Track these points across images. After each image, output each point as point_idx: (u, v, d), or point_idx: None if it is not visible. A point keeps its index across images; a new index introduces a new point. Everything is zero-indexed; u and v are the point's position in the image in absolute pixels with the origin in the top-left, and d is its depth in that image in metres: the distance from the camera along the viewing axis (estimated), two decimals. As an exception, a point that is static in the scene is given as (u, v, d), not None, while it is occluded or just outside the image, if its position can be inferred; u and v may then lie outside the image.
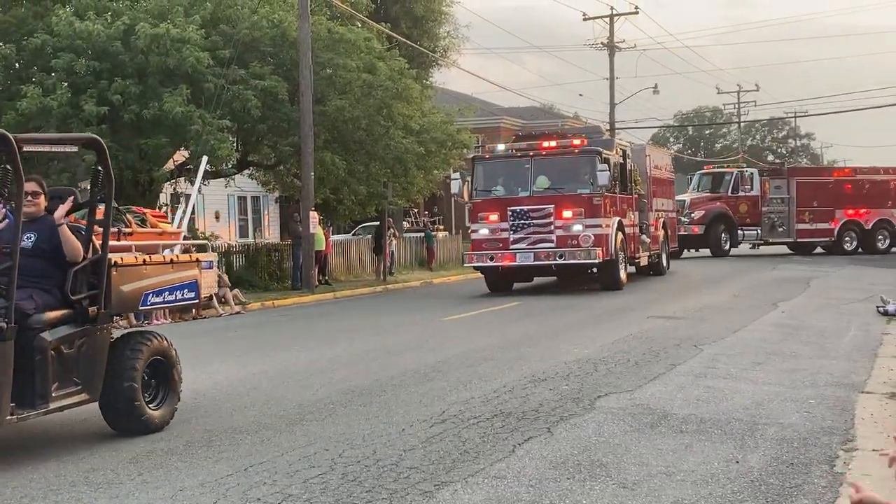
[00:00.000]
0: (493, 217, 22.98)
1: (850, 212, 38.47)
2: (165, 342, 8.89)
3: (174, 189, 27.65)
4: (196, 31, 23.72)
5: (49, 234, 8.05)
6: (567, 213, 22.33)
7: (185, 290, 9.26)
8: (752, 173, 39.36)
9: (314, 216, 26.91)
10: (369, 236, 35.97)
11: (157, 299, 8.94)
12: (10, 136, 7.24)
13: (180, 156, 26.77)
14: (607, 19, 53.70)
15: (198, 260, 9.58)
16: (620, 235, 23.43)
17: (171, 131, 23.96)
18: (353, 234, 41.42)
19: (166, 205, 27.93)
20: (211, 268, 9.86)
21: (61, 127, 23.56)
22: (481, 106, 51.77)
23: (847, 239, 38.64)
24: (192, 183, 25.03)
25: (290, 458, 7.37)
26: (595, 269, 22.94)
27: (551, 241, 22.37)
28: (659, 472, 6.74)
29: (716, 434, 7.83)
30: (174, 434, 8.41)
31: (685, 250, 36.62)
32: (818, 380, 10.29)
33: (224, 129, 24.57)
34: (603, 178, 22.12)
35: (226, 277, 23.78)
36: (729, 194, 38.22)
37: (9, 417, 7.27)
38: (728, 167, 43.23)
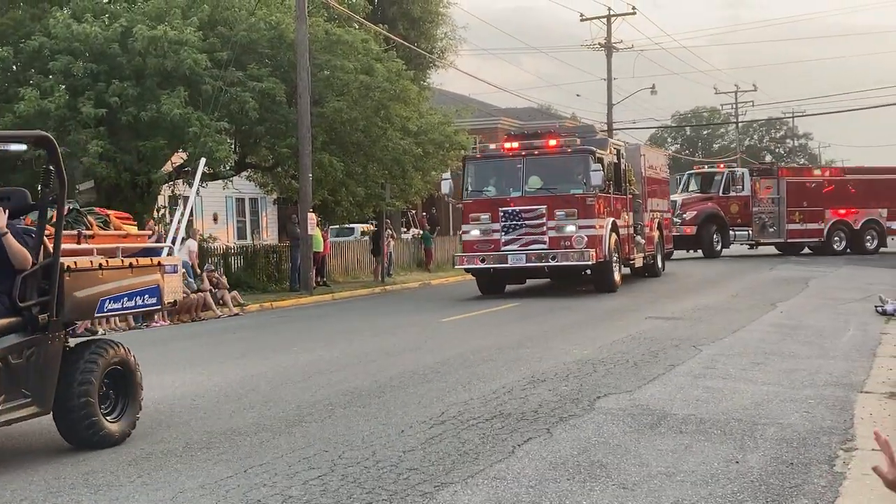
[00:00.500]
0: (485, 218, 22.56)
1: (840, 212, 38.47)
2: (124, 350, 8.52)
3: (172, 191, 27.65)
4: (193, 33, 23.73)
5: None
6: (560, 214, 21.95)
7: (146, 296, 8.80)
8: (742, 173, 39.25)
9: (312, 218, 26.91)
10: (354, 237, 36.02)
11: (115, 305, 8.48)
12: None
13: (178, 158, 26.77)
14: (605, 20, 53.75)
15: (160, 264, 9.13)
16: (614, 236, 23.07)
17: (168, 133, 23.98)
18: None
19: (164, 207, 27.93)
20: (175, 272, 9.43)
21: (59, 129, 23.58)
22: (479, 107, 51.79)
23: (836, 239, 38.62)
24: (191, 185, 25.05)
25: (289, 459, 7.37)
26: (589, 271, 22.57)
27: (544, 243, 22.00)
28: (659, 472, 6.74)
29: (715, 434, 7.83)
30: (173, 436, 8.41)
31: (675, 251, 36.48)
32: (817, 380, 10.30)
33: (222, 130, 24.58)
34: (596, 178, 21.78)
35: (224, 279, 23.78)
36: (720, 194, 38.13)
37: None
38: (720, 167, 43.13)
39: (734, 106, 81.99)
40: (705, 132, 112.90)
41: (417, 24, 39.18)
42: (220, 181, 29.13)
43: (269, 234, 39.08)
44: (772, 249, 40.44)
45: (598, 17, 53.90)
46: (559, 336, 14.65)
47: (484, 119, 52.46)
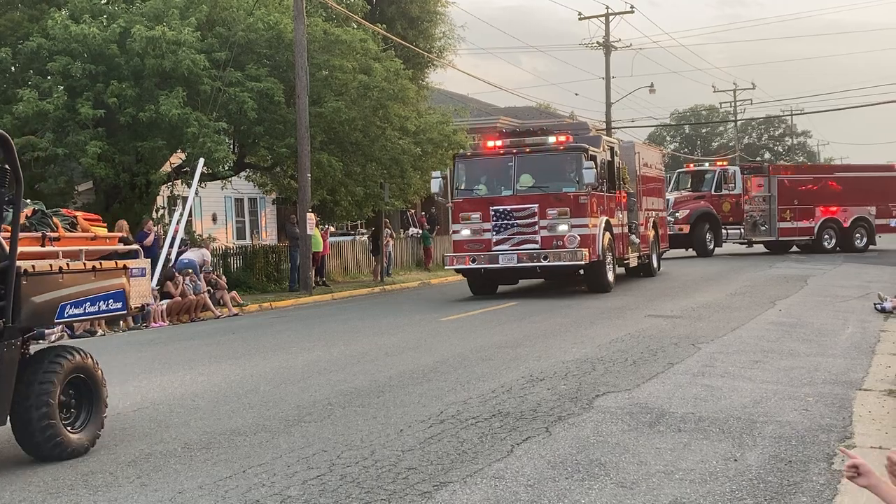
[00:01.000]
0: (475, 217, 22.09)
1: (830, 210, 38.46)
2: (88, 358, 8.23)
3: (171, 192, 27.66)
4: (192, 34, 23.74)
5: None
6: (552, 213, 21.50)
7: (111, 301, 8.43)
8: (734, 171, 39.13)
9: (311, 218, 26.92)
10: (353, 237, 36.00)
11: (77, 311, 8.09)
12: None
13: (177, 158, 26.78)
14: (603, 19, 53.79)
15: (125, 267, 8.74)
16: (608, 235, 22.67)
17: (167, 134, 23.98)
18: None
19: (163, 207, 27.94)
20: (143, 276, 9.07)
21: (57, 130, 23.60)
22: (477, 106, 51.77)
23: (826, 237, 38.61)
24: (189, 185, 25.09)
25: (288, 459, 7.38)
26: (582, 271, 22.18)
27: (535, 242, 21.57)
28: (657, 470, 6.75)
29: (714, 432, 7.84)
30: (172, 436, 8.41)
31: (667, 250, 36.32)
32: (816, 377, 10.30)
33: (220, 131, 24.59)
34: (589, 176, 21.30)
35: (223, 280, 23.79)
36: (713, 193, 38.04)
37: None
38: (717, 163, 43.07)
39: (733, 104, 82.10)
40: (704, 130, 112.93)
41: (416, 24, 39.16)
42: (218, 181, 29.14)
43: (269, 235, 39.06)
44: (761, 248, 40.36)
45: (597, 16, 53.98)
46: (558, 335, 14.65)
47: (483, 118, 52.42)
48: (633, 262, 25.72)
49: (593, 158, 21.99)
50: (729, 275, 26.90)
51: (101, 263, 8.54)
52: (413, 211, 41.65)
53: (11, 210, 7.60)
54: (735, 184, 38.10)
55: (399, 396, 9.83)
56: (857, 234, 38.93)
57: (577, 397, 9.40)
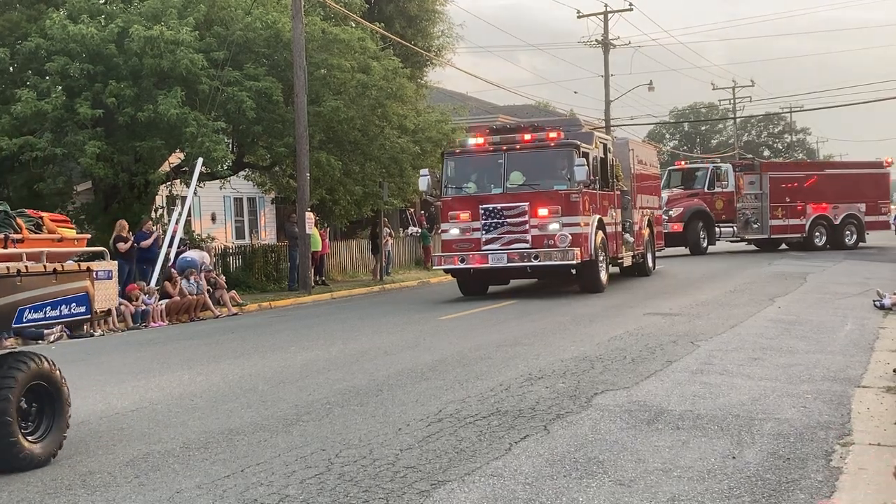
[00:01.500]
0: (465, 216, 21.54)
1: (821, 206, 38.45)
2: (48, 364, 7.94)
3: (170, 191, 27.66)
4: (190, 33, 23.73)
5: None
6: (543, 211, 20.99)
7: (73, 305, 8.08)
8: (726, 169, 39.07)
9: (310, 217, 26.91)
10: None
11: (36, 315, 7.75)
12: None
13: (176, 158, 26.77)
14: (601, 16, 53.77)
15: (89, 269, 8.39)
16: (601, 234, 22.16)
17: (166, 133, 23.98)
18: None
19: (162, 207, 27.93)
20: (109, 278, 8.71)
21: (56, 130, 23.59)
22: (476, 104, 51.76)
23: (817, 234, 38.59)
24: (188, 185, 25.09)
25: (286, 458, 7.37)
26: (574, 271, 21.58)
27: (526, 242, 21.04)
28: (655, 468, 6.74)
29: (712, 430, 7.83)
30: (171, 436, 8.41)
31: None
32: (815, 374, 10.30)
33: (219, 130, 24.59)
34: (581, 173, 20.73)
35: (222, 279, 23.79)
36: (706, 190, 37.96)
37: None
38: (703, 162, 43.01)
39: (732, 101, 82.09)
40: (703, 128, 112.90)
41: (414, 22, 39.15)
42: (217, 181, 29.14)
43: (268, 234, 39.05)
44: (750, 246, 40.27)
45: (595, 14, 53.95)
46: (556, 333, 14.64)
47: (482, 117, 52.41)
48: (628, 262, 25.34)
49: (585, 155, 21.58)
50: (727, 273, 26.86)
51: (63, 266, 8.19)
52: (412, 210, 41.66)
53: None
54: (728, 181, 38.05)
55: (397, 395, 9.83)
56: (847, 232, 38.93)
57: (575, 395, 9.39)
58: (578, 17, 54.16)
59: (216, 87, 24.56)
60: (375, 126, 28.26)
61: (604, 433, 7.83)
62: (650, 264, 27.41)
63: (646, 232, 27.19)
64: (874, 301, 17.28)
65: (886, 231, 40.83)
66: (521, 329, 15.38)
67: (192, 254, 23.32)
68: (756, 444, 7.38)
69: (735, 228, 38.09)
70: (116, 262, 9.63)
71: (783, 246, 39.65)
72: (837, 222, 38.58)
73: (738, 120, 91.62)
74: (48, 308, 7.87)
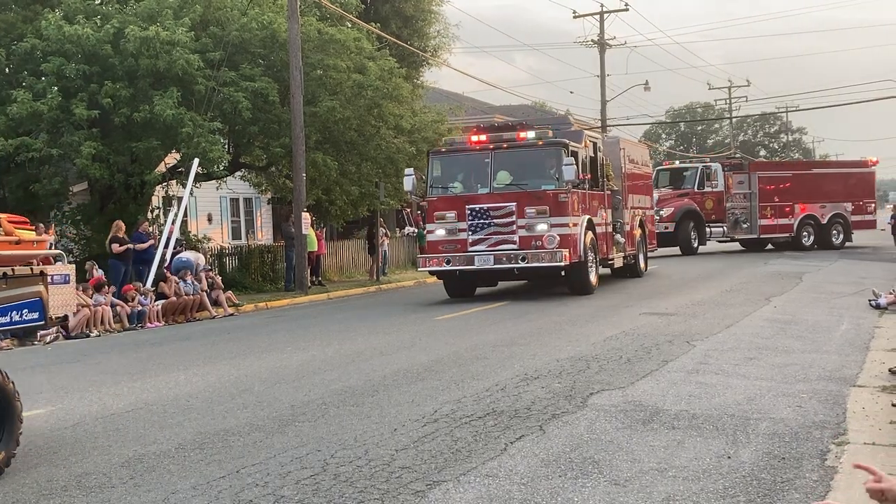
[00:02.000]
0: (451, 216, 21.02)
1: (808, 206, 38.43)
2: (1, 376, 7.52)
3: (166, 192, 27.64)
4: (186, 34, 23.71)
5: None
6: (530, 212, 20.51)
7: (25, 311, 7.71)
8: (716, 168, 38.95)
9: (306, 217, 26.91)
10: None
11: None
12: None
13: (172, 158, 26.75)
14: (597, 16, 53.78)
15: (43, 273, 8.02)
16: (590, 235, 21.67)
17: (162, 134, 23.96)
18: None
19: (158, 208, 27.92)
20: (66, 283, 8.32)
21: (52, 131, 23.57)
22: (472, 105, 51.76)
23: (805, 234, 38.58)
24: (184, 186, 25.07)
25: (282, 459, 7.37)
26: (563, 273, 20.96)
27: (514, 243, 20.56)
28: (651, 468, 6.75)
29: (708, 430, 7.84)
30: (166, 437, 8.40)
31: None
32: (810, 374, 10.31)
33: (215, 131, 24.59)
34: (569, 172, 20.23)
35: (219, 279, 23.78)
36: (695, 190, 37.87)
37: None
38: (692, 162, 42.91)
39: (728, 101, 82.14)
40: (699, 128, 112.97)
41: (410, 23, 39.16)
42: (213, 181, 29.14)
43: (264, 234, 39.05)
44: (737, 246, 40.21)
45: (591, 14, 53.93)
46: (552, 333, 14.65)
47: (478, 117, 52.38)
48: (619, 263, 24.90)
49: (574, 154, 21.16)
50: (722, 272, 26.84)
51: (13, 270, 7.77)
52: (409, 210, 41.66)
53: None
54: (718, 181, 37.99)
55: (393, 395, 9.83)
56: (834, 231, 38.95)
57: (571, 395, 9.40)
58: (574, 17, 54.15)
59: (212, 87, 24.55)
60: (371, 126, 28.26)
61: (599, 433, 7.83)
62: (642, 265, 26.96)
63: (637, 232, 26.70)
64: (870, 300, 17.29)
65: (872, 230, 40.85)
66: (517, 329, 15.39)
67: (187, 254, 23.32)
68: (751, 443, 7.39)
69: (725, 228, 38.05)
70: (73, 266, 9.31)
71: (769, 246, 39.58)
72: (825, 222, 38.60)
73: (734, 120, 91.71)
74: None
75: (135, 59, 23.56)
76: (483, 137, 21.79)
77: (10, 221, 8.46)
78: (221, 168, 27.65)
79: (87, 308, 19.01)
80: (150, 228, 24.27)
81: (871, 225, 40.60)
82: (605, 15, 53.61)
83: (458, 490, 6.38)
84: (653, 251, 29.85)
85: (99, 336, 18.83)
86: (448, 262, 21.00)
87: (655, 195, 35.65)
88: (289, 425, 8.62)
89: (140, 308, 20.48)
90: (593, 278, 21.84)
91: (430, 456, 7.27)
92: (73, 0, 24.52)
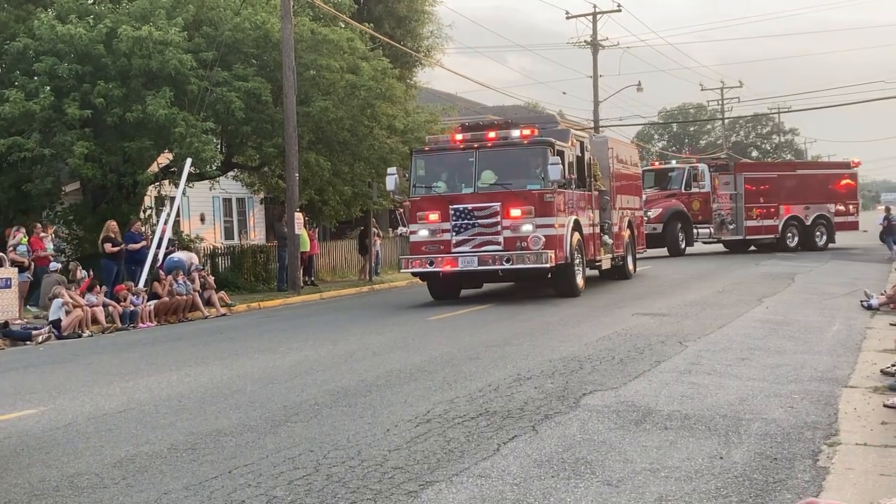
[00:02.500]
0: (434, 217, 20.58)
1: (792, 207, 38.47)
2: None
3: (159, 192, 27.62)
4: (179, 34, 23.69)
5: None
6: (515, 212, 20.10)
7: None
8: (703, 169, 38.88)
9: (299, 217, 26.89)
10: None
11: None
12: None
13: (164, 158, 26.73)
14: (590, 17, 53.84)
15: None
16: (577, 236, 21.30)
17: (154, 134, 23.93)
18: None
19: (151, 208, 27.89)
20: (7, 287, 8.10)
21: (44, 130, 23.53)
22: (465, 105, 51.75)
23: (789, 235, 38.62)
24: (177, 185, 25.05)
25: (274, 459, 7.36)
26: (550, 274, 20.62)
27: (498, 244, 20.13)
28: (643, 468, 6.75)
29: (700, 430, 7.85)
30: (158, 437, 8.39)
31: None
32: (802, 375, 10.33)
33: (208, 131, 24.56)
34: (555, 172, 19.82)
35: (211, 279, 23.75)
36: (682, 191, 37.81)
37: None
38: (678, 163, 42.83)
39: (720, 102, 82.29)
40: (692, 129, 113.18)
41: (403, 23, 39.17)
42: (206, 181, 29.10)
43: (257, 234, 39.02)
44: (716, 248, 40.14)
45: (584, 15, 54.03)
46: (545, 333, 14.66)
47: (471, 117, 52.40)
48: (606, 264, 24.46)
49: (560, 153, 20.73)
50: (714, 273, 26.84)
51: None
52: (401, 210, 41.66)
53: None
54: (705, 182, 37.94)
55: (386, 396, 9.82)
56: (818, 232, 39.01)
57: (563, 396, 9.40)
58: (567, 17, 54.32)
59: (205, 87, 24.53)
60: (364, 126, 28.25)
61: (592, 433, 7.83)
62: (630, 267, 26.50)
63: (626, 233, 26.25)
64: (861, 301, 17.33)
65: (854, 231, 40.95)
66: (510, 329, 15.39)
67: (179, 254, 23.30)
68: (743, 444, 7.40)
69: (711, 229, 38.03)
70: (16, 269, 9.08)
71: (752, 248, 39.55)
72: (808, 223, 38.67)
73: (726, 121, 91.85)
74: None
75: (127, 58, 23.53)
76: (467, 136, 21.44)
77: None
78: (214, 168, 27.63)
79: (79, 309, 18.98)
80: (143, 228, 24.23)
81: (854, 226, 40.70)
82: (598, 16, 53.70)
83: (450, 490, 6.38)
84: (642, 252, 29.55)
85: (91, 336, 18.80)
86: (431, 264, 20.57)
87: (644, 195, 35.61)
88: (281, 426, 8.61)
89: (132, 308, 20.45)
90: (580, 280, 21.46)
91: (422, 456, 7.26)
92: (65, 0, 24.48)
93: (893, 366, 10.19)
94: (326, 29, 28.17)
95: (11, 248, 20.35)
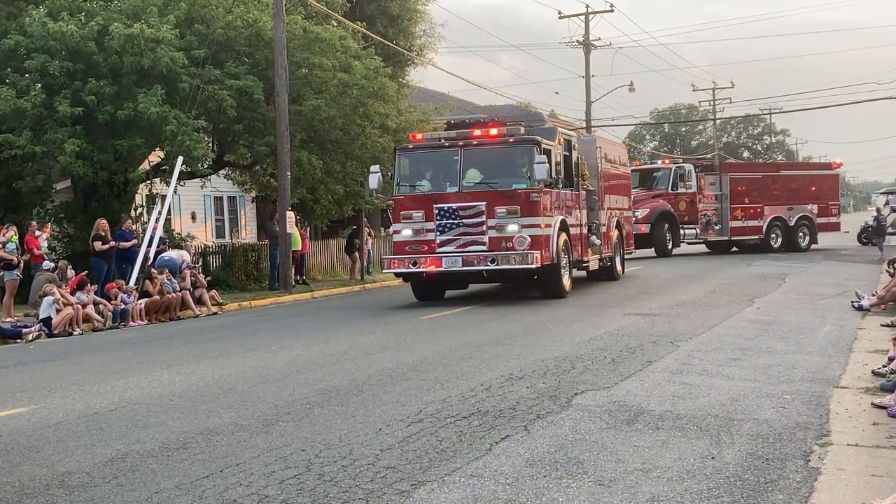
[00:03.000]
0: (418, 216, 20.21)
1: (776, 208, 38.51)
2: None
3: (150, 190, 27.55)
4: (170, 31, 23.65)
5: None
6: (501, 212, 19.71)
7: None
8: (689, 169, 38.79)
9: (291, 216, 26.86)
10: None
11: None
12: None
13: (155, 156, 26.68)
14: (583, 17, 53.88)
15: None
16: (564, 236, 20.90)
17: (146, 132, 23.88)
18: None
19: (142, 206, 27.83)
20: None
21: (35, 128, 23.48)
22: (457, 104, 51.69)
23: (773, 236, 38.65)
24: (168, 184, 25.00)
25: (266, 458, 7.35)
26: (535, 275, 20.31)
27: (483, 244, 19.78)
28: (635, 468, 6.76)
29: (692, 430, 7.85)
30: (150, 436, 8.37)
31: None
32: (793, 375, 10.34)
33: (199, 129, 24.54)
34: (541, 171, 19.45)
35: (202, 278, 23.71)
36: (669, 191, 37.73)
37: None
38: (665, 163, 42.75)
39: (712, 103, 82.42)
40: (683, 129, 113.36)
41: (396, 22, 39.19)
42: (197, 180, 29.06)
43: (248, 233, 38.97)
44: (699, 248, 40.11)
45: (577, 15, 54.06)
46: (537, 333, 14.67)
47: (463, 117, 52.45)
48: (594, 265, 24.08)
49: (547, 152, 20.34)
50: (704, 274, 26.79)
51: None
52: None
53: None
54: (692, 182, 37.91)
55: (378, 395, 9.81)
56: (801, 234, 39.08)
57: (555, 395, 9.40)
58: (559, 17, 54.34)
59: (197, 85, 24.48)
60: (357, 125, 28.23)
61: (584, 433, 7.83)
62: (619, 268, 26.15)
63: (614, 234, 25.87)
64: (852, 302, 17.37)
65: (836, 233, 41.04)
66: (502, 329, 15.39)
67: (171, 253, 23.26)
68: (735, 444, 7.40)
69: (697, 230, 38.01)
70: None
71: (734, 249, 39.47)
72: (792, 224, 38.71)
73: (717, 121, 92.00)
74: None
75: (119, 56, 23.48)
76: (452, 134, 21.03)
77: None
78: (205, 166, 27.59)
79: (70, 307, 18.92)
80: (134, 227, 24.18)
81: (836, 227, 40.82)
82: (591, 16, 53.74)
83: (442, 490, 6.37)
84: (630, 253, 29.34)
85: (82, 334, 18.75)
86: (414, 264, 20.19)
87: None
88: (273, 425, 8.60)
89: (123, 307, 20.40)
90: (566, 281, 21.07)
91: (414, 456, 7.25)
92: (57, -3, 24.43)
93: (884, 366, 10.22)
94: (319, 27, 28.14)
95: (0, 246, 20.30)
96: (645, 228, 35.84)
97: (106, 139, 24.09)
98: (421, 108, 34.06)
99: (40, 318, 18.60)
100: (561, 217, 21.04)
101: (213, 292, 23.67)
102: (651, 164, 45.64)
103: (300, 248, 29.21)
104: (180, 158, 23.75)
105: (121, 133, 23.94)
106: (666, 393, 9.40)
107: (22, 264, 20.72)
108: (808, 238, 39.11)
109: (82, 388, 11.27)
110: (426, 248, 20.19)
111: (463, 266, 19.92)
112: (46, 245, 22.63)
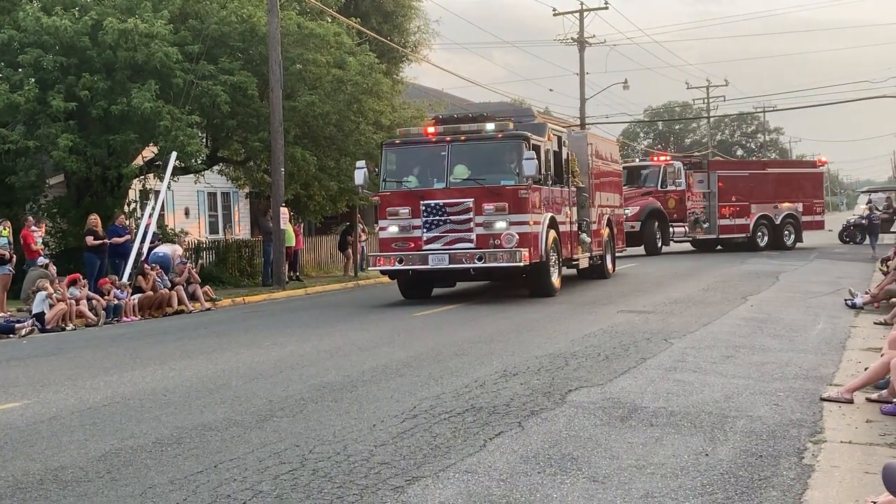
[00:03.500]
0: (404, 212, 19.86)
1: (763, 206, 38.52)
2: None
3: (143, 185, 27.52)
4: (164, 27, 23.62)
5: None
6: (488, 209, 19.36)
7: None
8: (678, 167, 38.62)
9: (284, 212, 26.84)
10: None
11: None
12: None
13: (149, 152, 26.64)
14: (577, 14, 53.89)
15: None
16: (553, 234, 20.57)
17: (139, 127, 23.85)
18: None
19: (135, 201, 27.79)
20: None
21: (28, 123, 23.43)
22: (452, 101, 51.62)
23: (759, 234, 38.66)
24: (161, 179, 24.96)
25: (260, 454, 7.34)
26: (524, 274, 19.93)
27: (470, 241, 19.45)
28: (629, 465, 6.76)
29: (686, 427, 7.86)
30: (143, 431, 8.35)
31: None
32: (787, 372, 10.36)
33: (193, 124, 24.49)
34: (530, 167, 19.09)
35: (196, 274, 23.68)
36: (658, 189, 37.64)
37: None
38: (654, 161, 42.66)
39: (706, 101, 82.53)
40: (677, 127, 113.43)
41: (390, 18, 39.15)
42: (191, 175, 29.01)
43: (242, 229, 38.93)
44: (683, 247, 40.03)
45: (571, 12, 54.07)
46: (531, 330, 14.67)
47: (451, 113, 52.40)
48: (584, 263, 23.74)
49: (536, 148, 19.91)
50: (697, 272, 26.74)
51: None
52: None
53: None
54: (681, 180, 37.86)
55: (372, 391, 9.80)
56: (786, 232, 39.10)
57: (549, 392, 9.40)
58: (554, 14, 54.28)
59: (191, 80, 24.45)
60: (351, 121, 28.21)
61: (578, 430, 7.84)
62: (609, 266, 25.75)
63: (605, 232, 25.46)
64: (846, 300, 17.40)
65: (821, 231, 41.10)
66: (496, 326, 15.39)
67: (163, 248, 23.21)
68: (729, 441, 7.41)
69: (686, 228, 37.98)
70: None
71: (718, 247, 39.41)
72: (778, 222, 38.74)
73: (711, 119, 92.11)
74: None
75: (113, 51, 23.45)
76: (440, 129, 20.56)
77: None
78: (199, 162, 27.52)
79: (63, 303, 18.89)
80: (127, 222, 24.14)
81: (820, 225, 40.86)
82: (585, 13, 53.77)
83: (437, 486, 6.37)
84: (621, 252, 29.11)
85: (75, 330, 18.71)
86: (400, 262, 19.88)
87: None
88: (267, 421, 8.59)
89: (116, 302, 20.35)
90: (555, 280, 20.77)
91: (408, 452, 7.25)
92: (50, -9, 24.39)
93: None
94: (313, 23, 28.11)
95: (-8, 241, 20.25)
96: (636, 226, 35.81)
97: (99, 134, 24.06)
98: (415, 104, 34.03)
99: (33, 313, 18.55)
100: (550, 214, 20.76)
101: (207, 288, 23.64)
102: (639, 160, 45.50)
103: (294, 245, 29.18)
104: (174, 154, 23.72)
105: (114, 128, 23.92)
106: (660, 390, 9.40)
107: (14, 259, 20.67)
108: (793, 236, 39.14)
109: (76, 383, 11.24)
110: (412, 245, 19.86)
111: (450, 264, 19.59)
112: (41, 241, 22.58)
